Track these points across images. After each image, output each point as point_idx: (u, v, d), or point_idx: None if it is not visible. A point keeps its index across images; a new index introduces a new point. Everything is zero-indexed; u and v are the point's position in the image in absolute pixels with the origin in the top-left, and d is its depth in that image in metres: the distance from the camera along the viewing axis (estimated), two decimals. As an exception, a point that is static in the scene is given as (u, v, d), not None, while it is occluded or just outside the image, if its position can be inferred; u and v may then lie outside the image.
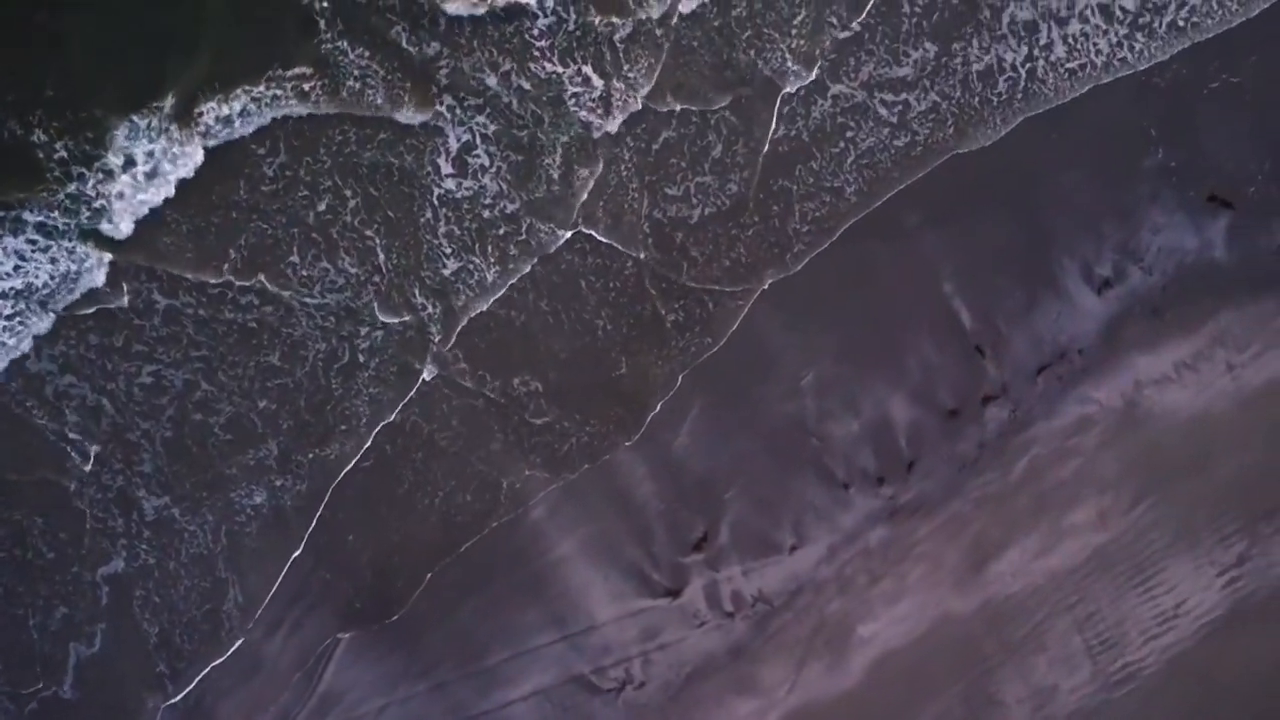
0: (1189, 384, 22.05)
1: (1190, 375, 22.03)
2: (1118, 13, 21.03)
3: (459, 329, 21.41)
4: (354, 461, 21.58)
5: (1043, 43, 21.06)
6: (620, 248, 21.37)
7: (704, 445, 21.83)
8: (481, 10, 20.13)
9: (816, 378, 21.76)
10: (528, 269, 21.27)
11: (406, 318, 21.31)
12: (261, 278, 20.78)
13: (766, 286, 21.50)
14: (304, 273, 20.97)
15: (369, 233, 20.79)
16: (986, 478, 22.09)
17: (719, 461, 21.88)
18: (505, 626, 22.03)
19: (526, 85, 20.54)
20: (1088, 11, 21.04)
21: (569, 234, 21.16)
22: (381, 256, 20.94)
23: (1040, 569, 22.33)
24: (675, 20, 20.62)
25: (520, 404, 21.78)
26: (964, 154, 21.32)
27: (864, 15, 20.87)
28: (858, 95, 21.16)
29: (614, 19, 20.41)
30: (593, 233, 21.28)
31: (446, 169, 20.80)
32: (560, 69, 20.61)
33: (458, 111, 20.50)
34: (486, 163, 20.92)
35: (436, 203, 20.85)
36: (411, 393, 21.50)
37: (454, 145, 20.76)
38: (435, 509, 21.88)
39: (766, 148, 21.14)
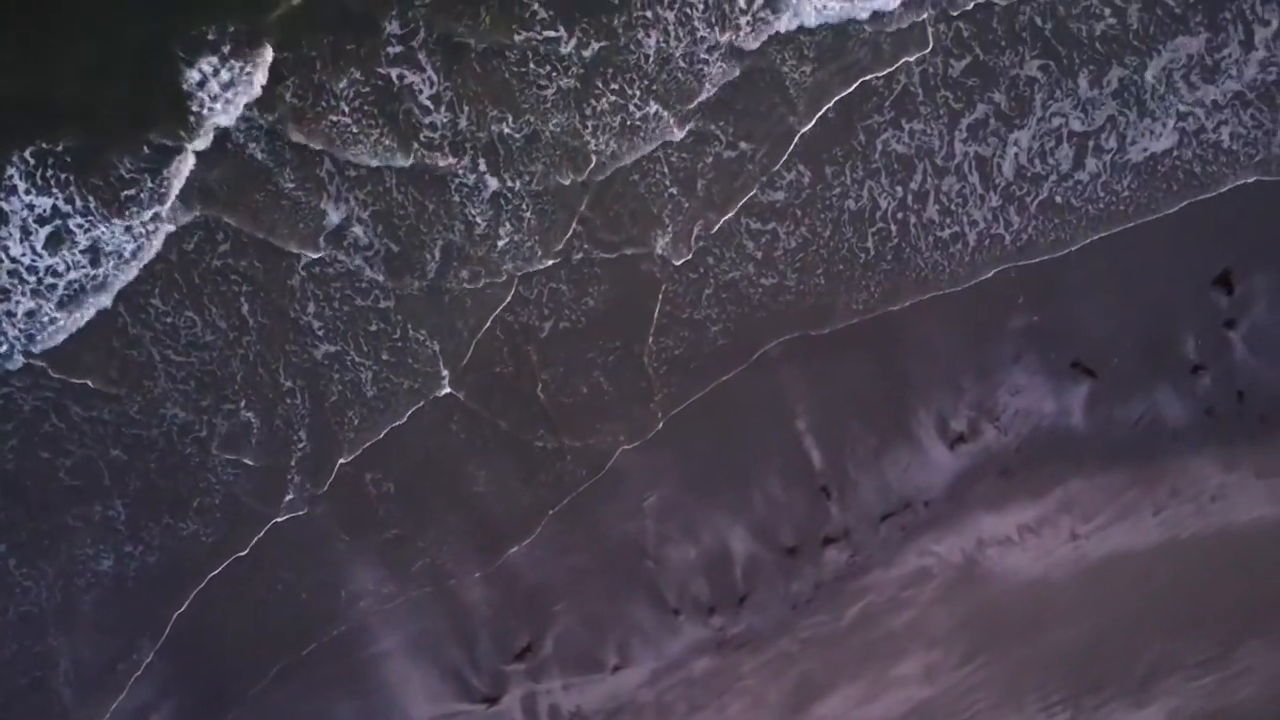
0: (1031, 548, 21.93)
1: (1033, 540, 21.90)
2: (994, 174, 20.75)
3: (334, 470, 20.84)
4: (206, 579, 20.98)
5: (916, 189, 20.73)
6: (483, 412, 21.04)
7: (539, 554, 21.55)
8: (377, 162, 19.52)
9: (660, 500, 21.52)
10: (404, 419, 20.76)
11: (275, 409, 20.57)
12: (122, 310, 19.80)
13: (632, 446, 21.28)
14: (168, 320, 20.22)
15: (234, 277, 19.98)
16: (818, 619, 21.91)
17: (552, 572, 21.61)
18: (318, 716, 21.67)
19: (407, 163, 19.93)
20: (965, 166, 20.74)
21: (445, 390, 20.70)
22: (245, 306, 20.24)
23: (861, 717, 22.17)
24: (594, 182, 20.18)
25: (371, 508, 21.20)
26: (828, 294, 20.97)
27: (783, 160, 20.45)
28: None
29: (507, 115, 19.80)
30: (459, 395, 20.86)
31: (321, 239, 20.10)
32: (452, 160, 19.98)
33: (337, 179, 19.88)
34: (364, 241, 20.27)
35: (304, 273, 20.29)
36: (262, 532, 20.92)
37: (333, 218, 20.04)
38: (271, 604, 21.34)
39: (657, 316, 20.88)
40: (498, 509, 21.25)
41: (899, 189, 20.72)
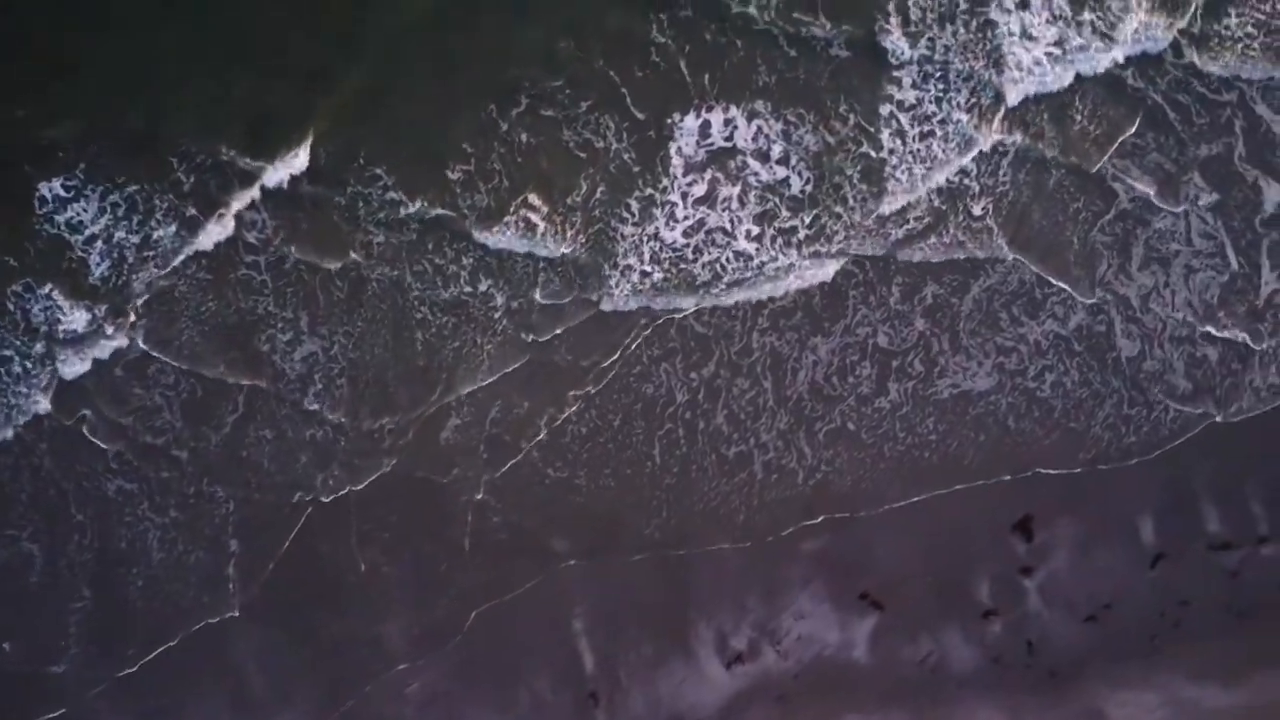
0: (800, 784, 20.92)
1: (803, 775, 20.93)
2: (788, 380, 20.57)
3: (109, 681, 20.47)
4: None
5: (708, 378, 20.43)
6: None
7: (293, 731, 20.52)
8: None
9: (422, 688, 20.59)
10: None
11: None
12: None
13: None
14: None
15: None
16: (568, 837, 20.64)
17: (299, 752, 20.46)
18: None
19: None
20: (760, 366, 20.32)
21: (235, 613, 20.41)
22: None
23: None
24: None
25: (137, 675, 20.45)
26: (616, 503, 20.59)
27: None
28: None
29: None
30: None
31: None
32: (272, 308, 19.94)
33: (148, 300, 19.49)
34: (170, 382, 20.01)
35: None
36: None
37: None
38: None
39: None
40: (272, 696, 20.49)
41: (693, 376, 20.20)
